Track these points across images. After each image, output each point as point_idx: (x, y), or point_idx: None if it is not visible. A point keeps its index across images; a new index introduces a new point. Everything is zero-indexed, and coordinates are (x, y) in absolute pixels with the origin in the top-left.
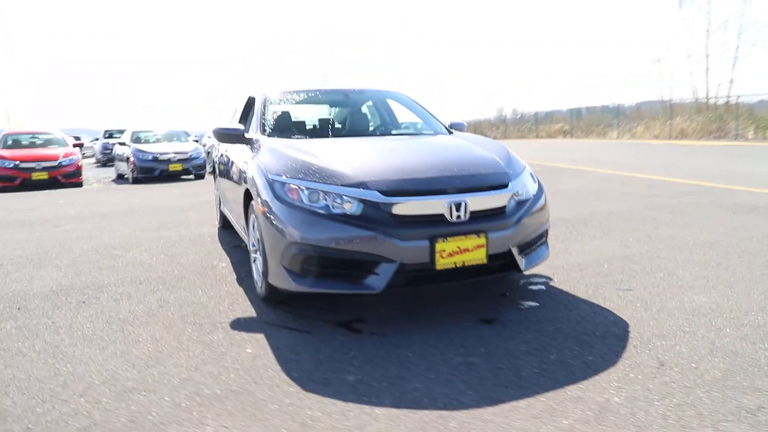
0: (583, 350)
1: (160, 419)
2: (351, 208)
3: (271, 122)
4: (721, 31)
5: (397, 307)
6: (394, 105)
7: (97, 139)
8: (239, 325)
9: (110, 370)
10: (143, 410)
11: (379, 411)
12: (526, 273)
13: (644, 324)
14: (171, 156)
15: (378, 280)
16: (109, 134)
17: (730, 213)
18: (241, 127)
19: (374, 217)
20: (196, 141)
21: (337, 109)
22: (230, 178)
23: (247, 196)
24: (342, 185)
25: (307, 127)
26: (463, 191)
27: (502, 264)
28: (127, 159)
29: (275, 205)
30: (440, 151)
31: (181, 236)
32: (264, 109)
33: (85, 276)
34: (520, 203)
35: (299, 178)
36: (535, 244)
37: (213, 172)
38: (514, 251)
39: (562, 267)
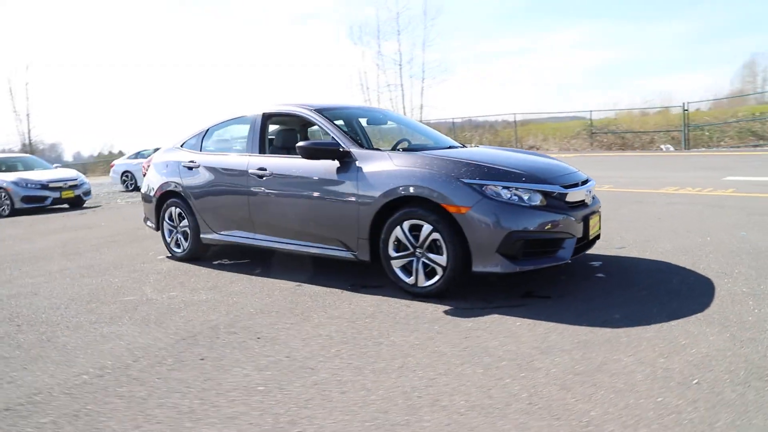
0: (686, 278)
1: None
2: (539, 199)
3: (357, 136)
4: (408, 66)
5: (533, 281)
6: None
7: None
8: (463, 313)
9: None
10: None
11: (665, 326)
12: None
13: (680, 259)
14: None
15: (565, 253)
16: None
17: None
18: (334, 142)
19: (556, 205)
20: None
21: (376, 126)
22: (308, 195)
23: (387, 206)
24: (533, 182)
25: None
26: (583, 183)
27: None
28: None
29: (486, 203)
30: (536, 158)
31: (155, 270)
32: (334, 123)
33: (173, 325)
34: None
35: (496, 180)
36: None
37: (179, 198)
38: None
39: None
